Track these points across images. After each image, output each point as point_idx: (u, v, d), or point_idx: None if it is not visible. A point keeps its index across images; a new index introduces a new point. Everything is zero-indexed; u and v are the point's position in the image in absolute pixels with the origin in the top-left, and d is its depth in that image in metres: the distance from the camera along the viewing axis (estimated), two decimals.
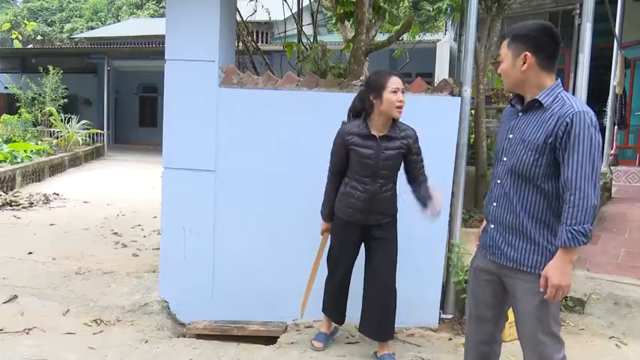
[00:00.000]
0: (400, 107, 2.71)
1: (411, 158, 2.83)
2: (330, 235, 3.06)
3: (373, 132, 2.77)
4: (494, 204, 2.00)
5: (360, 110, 2.83)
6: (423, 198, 2.77)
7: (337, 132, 2.87)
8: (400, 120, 2.80)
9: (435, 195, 2.73)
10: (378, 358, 2.94)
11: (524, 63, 1.86)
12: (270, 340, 3.34)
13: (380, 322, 2.93)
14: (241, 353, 3.04)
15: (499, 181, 1.99)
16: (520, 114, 1.94)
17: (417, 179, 2.86)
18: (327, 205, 2.98)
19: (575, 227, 1.72)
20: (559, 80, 1.90)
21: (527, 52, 1.85)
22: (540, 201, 1.88)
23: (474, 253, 2.20)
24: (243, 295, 3.61)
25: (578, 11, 7.15)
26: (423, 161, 2.88)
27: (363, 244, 3.00)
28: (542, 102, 1.85)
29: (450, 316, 3.57)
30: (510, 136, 1.95)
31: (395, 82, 2.70)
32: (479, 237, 2.22)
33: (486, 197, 2.11)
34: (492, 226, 2.02)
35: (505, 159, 1.96)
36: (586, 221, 1.72)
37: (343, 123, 2.91)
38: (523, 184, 1.90)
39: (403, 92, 2.73)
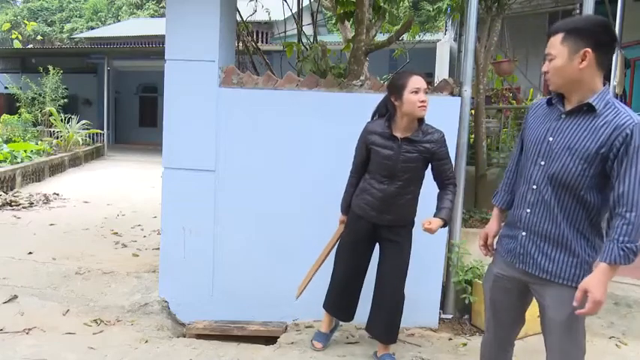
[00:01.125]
0: (423, 107, 2.66)
1: (435, 164, 2.75)
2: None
3: (395, 133, 2.72)
4: (528, 210, 1.88)
5: (384, 113, 2.80)
6: (437, 207, 2.73)
7: (362, 129, 2.86)
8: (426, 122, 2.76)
9: (442, 213, 2.68)
10: (378, 358, 2.94)
11: (582, 60, 1.71)
12: (270, 340, 3.34)
13: (385, 325, 2.92)
14: (241, 353, 3.03)
15: (535, 187, 1.85)
16: (564, 116, 1.81)
17: (442, 186, 2.79)
18: (346, 198, 2.98)
19: (628, 245, 1.63)
20: (608, 85, 1.81)
21: (587, 49, 1.70)
22: (581, 212, 1.79)
23: (493, 259, 2.11)
24: (243, 295, 3.61)
25: (578, 11, 7.14)
26: (450, 167, 2.76)
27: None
28: (595, 106, 1.73)
29: (450, 316, 3.57)
30: (550, 139, 1.81)
31: (416, 81, 2.66)
32: (484, 238, 2.14)
33: (516, 201, 1.97)
34: (524, 233, 1.90)
35: (543, 163, 1.83)
36: (638, 239, 1.63)
37: (369, 122, 2.90)
38: (564, 193, 1.79)
39: (426, 92, 2.68)
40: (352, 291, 3.02)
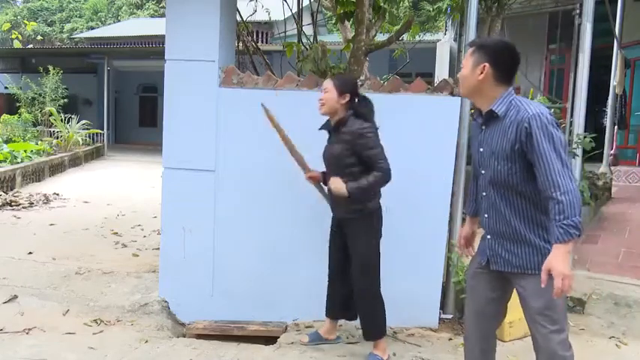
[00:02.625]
0: (320, 104, 2.87)
1: (361, 155, 2.78)
2: None
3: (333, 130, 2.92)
4: (486, 215, 2.06)
5: None
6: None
7: None
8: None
9: (349, 184, 2.75)
10: (368, 357, 2.94)
11: (481, 73, 1.93)
12: (270, 340, 3.33)
13: (361, 321, 2.95)
14: (241, 353, 3.03)
15: (484, 194, 2.04)
16: (483, 127, 2.02)
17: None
18: None
19: (564, 222, 1.74)
20: (512, 88, 1.96)
21: (486, 64, 1.92)
22: (526, 203, 1.93)
23: (475, 254, 2.23)
24: (243, 295, 3.60)
25: (578, 11, 7.14)
26: (374, 155, 2.75)
27: None
28: (497, 111, 1.93)
29: (450, 316, 3.57)
30: (481, 149, 2.03)
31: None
32: (459, 240, 2.34)
33: (479, 209, 2.15)
34: (489, 236, 2.06)
35: (483, 172, 2.03)
36: (574, 214, 1.74)
37: None
38: (506, 192, 1.96)
39: (324, 91, 2.86)
40: (339, 286, 3.04)
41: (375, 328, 2.93)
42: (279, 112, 3.45)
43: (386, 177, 2.75)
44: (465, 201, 3.82)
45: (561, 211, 1.75)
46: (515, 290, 2.06)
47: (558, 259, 1.76)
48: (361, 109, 2.85)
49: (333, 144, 2.90)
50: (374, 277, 2.88)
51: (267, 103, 3.37)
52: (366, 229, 2.87)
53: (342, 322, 3.23)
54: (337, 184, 2.77)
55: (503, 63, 1.94)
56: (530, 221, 1.93)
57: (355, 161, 2.79)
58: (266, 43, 16.02)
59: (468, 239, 2.38)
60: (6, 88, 15.35)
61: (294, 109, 3.33)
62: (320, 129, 2.97)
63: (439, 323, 3.47)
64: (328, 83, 2.88)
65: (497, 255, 2.02)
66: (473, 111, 2.13)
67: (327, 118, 2.93)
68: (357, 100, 2.90)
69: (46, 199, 7.92)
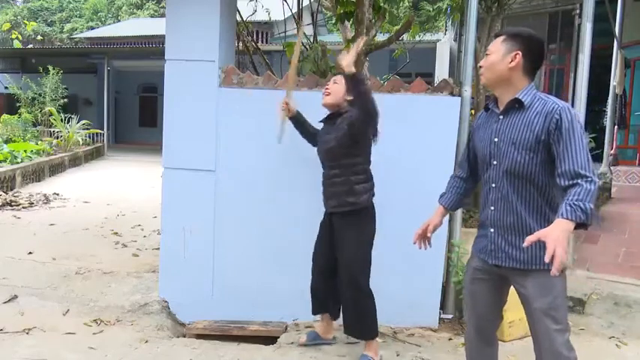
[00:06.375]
0: (325, 93, 2.88)
1: (350, 133, 2.73)
2: None
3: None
4: (492, 208, 2.03)
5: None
6: None
7: None
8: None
9: None
10: (360, 358, 2.91)
11: (512, 60, 1.93)
12: (270, 340, 3.33)
13: (348, 318, 2.90)
14: (241, 353, 3.03)
15: (494, 185, 2.02)
16: (501, 117, 2.00)
17: None
18: None
19: (575, 202, 1.72)
20: (532, 83, 1.99)
21: (518, 51, 1.93)
22: (537, 196, 1.94)
23: (471, 254, 2.21)
24: (243, 295, 3.61)
25: (578, 11, 7.15)
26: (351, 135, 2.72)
27: None
28: (524, 101, 1.93)
29: (450, 316, 3.57)
30: (496, 139, 2.00)
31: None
32: (424, 227, 2.27)
33: (482, 203, 2.12)
34: (492, 230, 2.03)
35: (495, 163, 2.00)
36: (588, 200, 1.72)
37: None
38: (520, 184, 1.95)
39: (331, 82, 2.88)
40: (321, 282, 3.02)
41: (362, 327, 2.88)
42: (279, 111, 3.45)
43: (375, 106, 2.66)
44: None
45: (577, 193, 1.74)
46: (516, 291, 2.04)
47: (555, 229, 1.71)
48: None
49: (325, 135, 2.90)
50: (360, 275, 2.83)
51: (267, 103, 3.37)
52: (356, 225, 2.85)
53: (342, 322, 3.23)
54: (347, 58, 2.62)
55: (534, 55, 1.95)
56: (538, 214, 1.93)
57: (348, 151, 2.78)
58: (266, 43, 16.03)
59: (433, 229, 2.29)
60: (6, 88, 15.34)
61: None
62: (320, 122, 2.98)
63: (439, 323, 3.47)
64: (339, 77, 2.87)
65: (500, 249, 2.00)
66: (486, 103, 2.10)
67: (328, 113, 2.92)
68: None
69: (46, 199, 7.92)
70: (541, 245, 1.86)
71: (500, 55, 1.96)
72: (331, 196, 2.89)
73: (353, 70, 2.64)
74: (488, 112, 2.09)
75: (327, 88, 2.88)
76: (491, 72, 2.00)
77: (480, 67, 2.05)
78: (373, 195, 2.89)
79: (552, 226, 1.75)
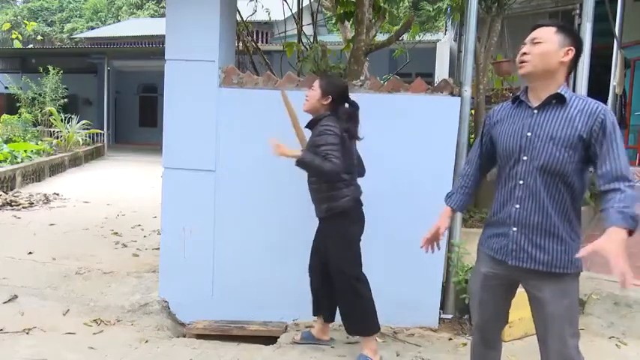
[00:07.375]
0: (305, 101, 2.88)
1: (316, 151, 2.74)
2: None
3: None
4: (517, 206, 1.93)
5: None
6: None
7: None
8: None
9: (303, 152, 2.76)
10: (358, 358, 2.91)
11: (565, 54, 1.86)
12: (270, 340, 3.34)
13: (342, 315, 2.93)
14: (241, 353, 3.04)
15: (522, 182, 1.92)
16: (536, 111, 1.91)
17: None
18: None
19: (625, 209, 1.69)
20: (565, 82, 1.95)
21: (572, 47, 1.87)
22: (567, 197, 1.88)
23: (477, 259, 2.15)
24: (243, 295, 3.61)
25: (578, 11, 7.14)
26: (324, 149, 2.68)
27: None
28: (565, 95, 1.87)
29: (450, 316, 3.57)
30: (529, 134, 1.90)
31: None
32: (434, 231, 2.21)
33: (501, 200, 2.01)
34: (515, 229, 1.93)
35: (525, 158, 1.90)
36: (632, 206, 1.69)
37: None
38: (553, 182, 1.87)
39: (311, 89, 2.86)
40: (316, 284, 3.05)
41: (358, 325, 2.90)
42: (279, 111, 3.45)
43: (332, 173, 2.66)
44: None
45: (623, 199, 1.71)
46: (527, 293, 1.99)
47: (613, 242, 1.65)
48: (341, 114, 2.82)
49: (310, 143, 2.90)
50: (350, 276, 2.84)
51: (267, 103, 3.37)
52: (337, 228, 2.87)
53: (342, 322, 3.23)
54: (286, 149, 2.74)
55: (579, 55, 1.92)
56: (564, 215, 1.88)
57: None
58: (266, 43, 16.02)
59: (439, 234, 2.23)
60: (6, 88, 15.34)
61: None
62: (306, 127, 2.96)
63: (439, 323, 3.47)
64: (316, 82, 2.88)
65: (522, 249, 1.91)
66: (516, 95, 2.02)
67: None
68: (346, 104, 2.88)
69: (46, 199, 7.92)
70: (565, 248, 1.86)
71: (556, 46, 1.86)
72: (313, 201, 2.95)
73: (298, 154, 2.69)
74: (515, 104, 1.99)
75: (305, 96, 2.88)
76: (542, 61, 1.87)
77: (525, 53, 1.90)
78: (357, 198, 2.88)
79: (608, 236, 1.68)
